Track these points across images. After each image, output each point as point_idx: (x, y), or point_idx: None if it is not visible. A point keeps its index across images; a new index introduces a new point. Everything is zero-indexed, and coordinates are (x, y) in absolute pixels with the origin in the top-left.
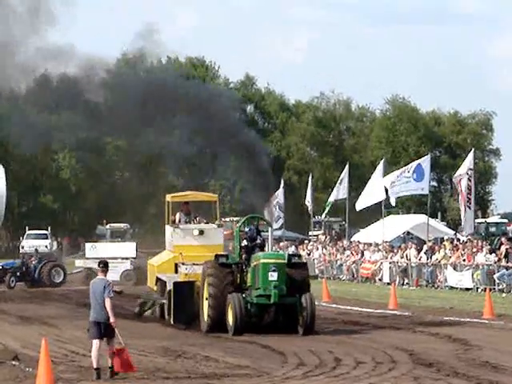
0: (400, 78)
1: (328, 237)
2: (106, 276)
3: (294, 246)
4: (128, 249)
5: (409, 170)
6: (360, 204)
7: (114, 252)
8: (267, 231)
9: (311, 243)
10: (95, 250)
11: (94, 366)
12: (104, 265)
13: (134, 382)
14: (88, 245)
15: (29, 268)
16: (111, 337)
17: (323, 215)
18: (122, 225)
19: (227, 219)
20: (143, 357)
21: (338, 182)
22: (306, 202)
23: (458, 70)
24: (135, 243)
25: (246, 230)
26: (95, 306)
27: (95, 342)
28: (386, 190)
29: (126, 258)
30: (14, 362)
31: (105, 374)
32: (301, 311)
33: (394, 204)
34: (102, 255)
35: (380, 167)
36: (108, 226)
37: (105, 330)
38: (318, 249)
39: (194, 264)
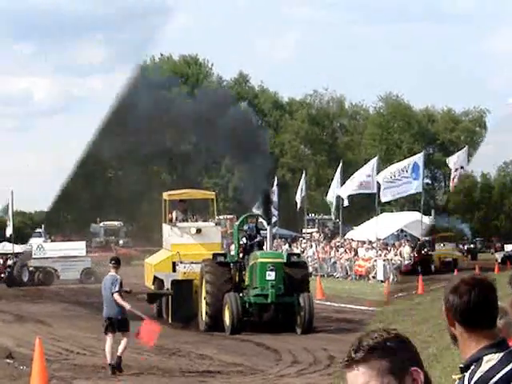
0: (393, 75)
1: (321, 234)
2: (117, 272)
3: (287, 244)
4: (77, 248)
5: (407, 170)
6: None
7: (63, 251)
8: (265, 230)
9: (305, 241)
10: (43, 250)
11: (108, 362)
12: (116, 261)
13: (128, 379)
14: (34, 245)
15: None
16: (125, 331)
17: (332, 215)
18: (115, 223)
19: (221, 217)
20: (138, 355)
21: (336, 180)
22: (296, 199)
23: (452, 68)
24: (84, 242)
25: (246, 228)
26: (106, 302)
27: (108, 338)
28: (379, 187)
29: (76, 257)
30: (8, 360)
31: (104, 371)
32: (299, 311)
33: (384, 201)
34: (50, 255)
35: (370, 164)
36: (102, 224)
37: (118, 326)
38: (311, 246)
39: (192, 262)
